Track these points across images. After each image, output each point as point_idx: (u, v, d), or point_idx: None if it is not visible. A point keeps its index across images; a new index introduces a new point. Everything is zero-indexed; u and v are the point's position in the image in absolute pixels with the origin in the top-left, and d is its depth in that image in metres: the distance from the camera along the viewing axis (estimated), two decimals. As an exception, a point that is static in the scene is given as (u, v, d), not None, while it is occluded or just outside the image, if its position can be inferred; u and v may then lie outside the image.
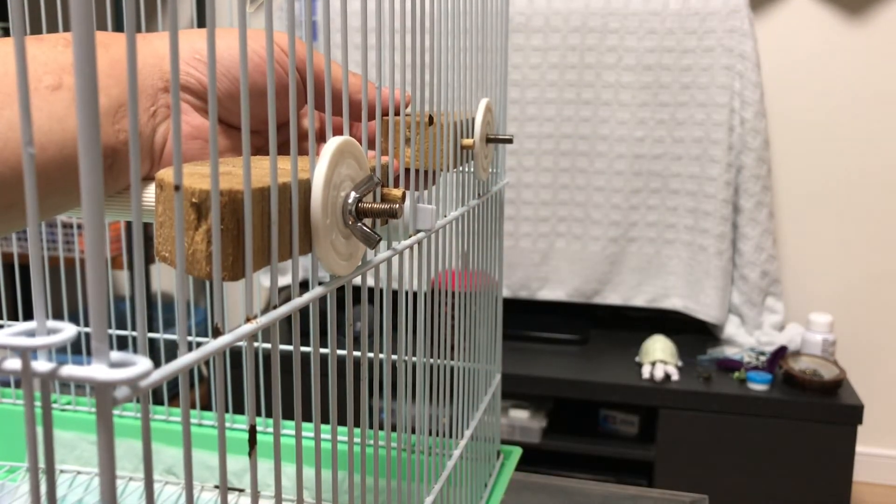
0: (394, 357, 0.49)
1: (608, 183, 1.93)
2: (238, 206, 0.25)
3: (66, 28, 0.71)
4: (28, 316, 0.27)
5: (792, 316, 2.03)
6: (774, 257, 1.91)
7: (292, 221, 0.28)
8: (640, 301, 1.98)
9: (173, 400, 1.45)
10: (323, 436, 0.59)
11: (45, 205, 0.32)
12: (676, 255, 1.94)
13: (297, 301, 0.28)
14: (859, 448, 2.03)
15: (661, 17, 1.82)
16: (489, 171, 0.56)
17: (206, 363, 1.69)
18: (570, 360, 1.85)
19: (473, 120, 0.51)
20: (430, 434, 0.47)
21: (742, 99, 1.81)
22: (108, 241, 0.50)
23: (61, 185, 0.32)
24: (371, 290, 0.38)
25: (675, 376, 1.73)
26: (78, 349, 1.25)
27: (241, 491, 0.66)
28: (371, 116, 0.39)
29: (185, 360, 0.22)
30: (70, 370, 0.18)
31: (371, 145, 0.41)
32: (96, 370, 0.18)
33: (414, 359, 0.44)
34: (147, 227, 1.38)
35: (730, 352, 1.85)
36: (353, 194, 0.31)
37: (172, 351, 1.40)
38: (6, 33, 2.00)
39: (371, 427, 0.40)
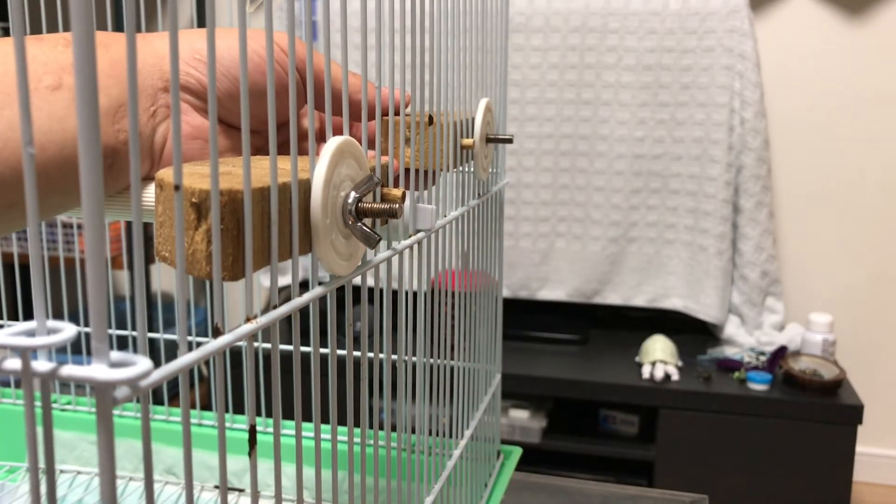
0: (394, 357, 0.49)
1: (608, 183, 1.93)
2: (238, 205, 0.25)
3: (66, 28, 0.71)
4: (28, 316, 0.27)
5: (792, 316, 2.03)
6: (774, 257, 1.91)
7: (292, 221, 0.28)
8: (640, 301, 1.98)
9: (173, 400, 1.45)
10: (323, 436, 0.59)
11: (45, 205, 0.32)
12: (676, 255, 1.94)
13: (297, 301, 0.28)
14: (859, 448, 2.03)
15: (661, 17, 1.82)
16: (489, 171, 0.56)
17: (206, 363, 1.69)
18: (570, 360, 1.85)
19: (473, 120, 0.51)
20: (430, 434, 0.47)
21: (742, 99, 1.81)
22: (108, 241, 0.50)
23: (61, 185, 0.32)
24: (371, 290, 0.38)
25: (675, 376, 1.73)
26: (78, 349, 1.25)
27: (241, 491, 0.66)
28: (371, 116, 0.39)
29: (185, 360, 0.22)
30: (70, 370, 0.18)
31: (371, 145, 0.41)
32: (96, 370, 0.18)
33: (414, 359, 0.44)
34: (147, 227, 1.38)
35: (730, 352, 1.85)
36: (353, 194, 0.31)
37: (172, 351, 1.40)
38: (6, 33, 2.00)
39: (371, 427, 0.40)
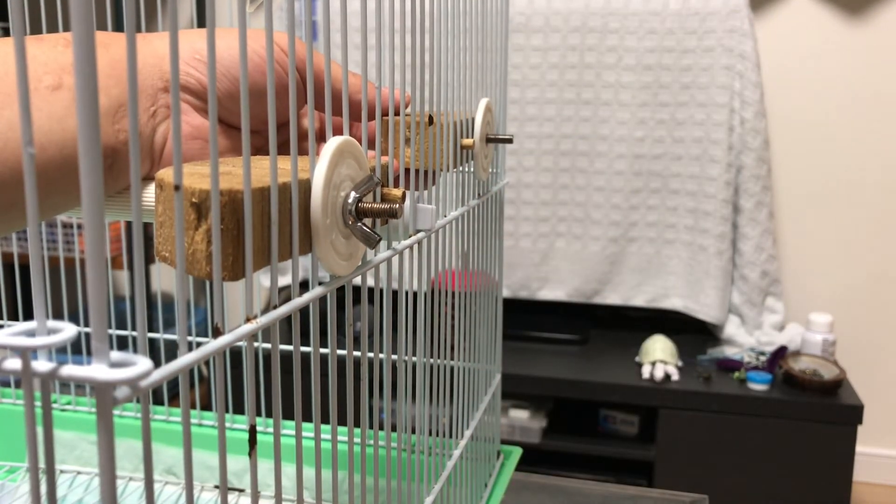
0: (394, 357, 0.49)
1: (608, 183, 1.93)
2: (238, 205, 0.25)
3: (66, 28, 0.71)
4: (28, 316, 0.27)
5: (792, 316, 2.03)
6: (774, 257, 1.91)
7: (292, 221, 0.28)
8: (640, 301, 1.98)
9: (173, 400, 1.45)
10: (323, 436, 0.59)
11: (45, 205, 0.32)
12: (676, 255, 1.94)
13: (297, 301, 0.28)
14: (859, 448, 2.03)
15: (661, 17, 1.82)
16: (489, 171, 0.56)
17: (206, 363, 1.69)
18: (570, 360, 1.85)
19: (473, 120, 0.51)
20: (430, 434, 0.47)
21: (742, 99, 1.81)
22: (108, 241, 0.50)
23: (61, 185, 0.32)
24: (371, 290, 0.38)
25: (675, 376, 1.73)
26: (78, 349, 1.25)
27: (241, 491, 0.66)
28: (371, 116, 0.39)
29: (185, 360, 0.22)
30: (70, 370, 0.18)
31: (371, 145, 0.41)
32: (96, 370, 0.18)
33: (414, 359, 0.44)
34: (147, 227, 1.38)
35: (730, 352, 1.85)
36: (353, 194, 0.31)
37: (172, 351, 1.40)
38: (6, 33, 2.00)
39: (371, 427, 0.40)
